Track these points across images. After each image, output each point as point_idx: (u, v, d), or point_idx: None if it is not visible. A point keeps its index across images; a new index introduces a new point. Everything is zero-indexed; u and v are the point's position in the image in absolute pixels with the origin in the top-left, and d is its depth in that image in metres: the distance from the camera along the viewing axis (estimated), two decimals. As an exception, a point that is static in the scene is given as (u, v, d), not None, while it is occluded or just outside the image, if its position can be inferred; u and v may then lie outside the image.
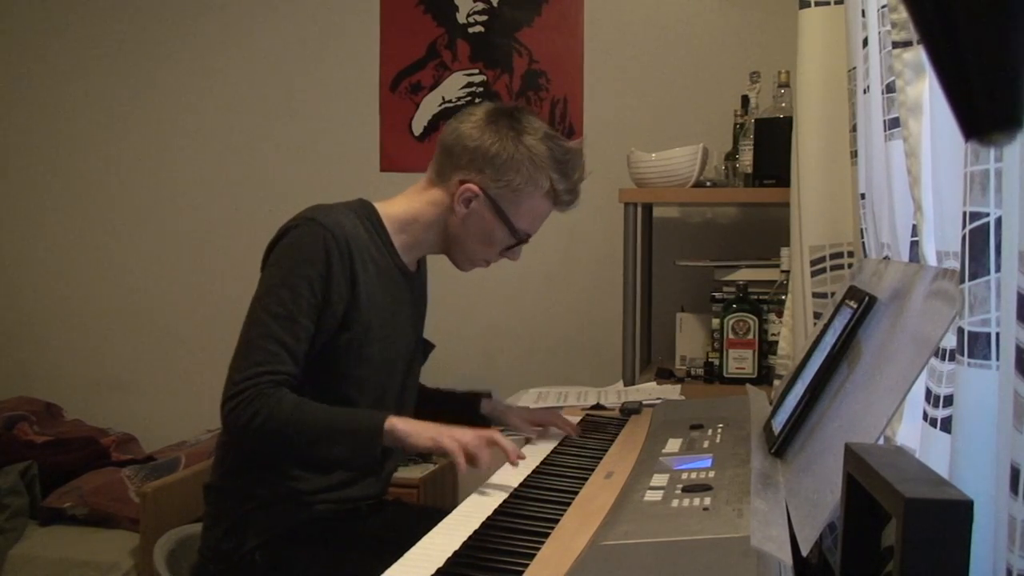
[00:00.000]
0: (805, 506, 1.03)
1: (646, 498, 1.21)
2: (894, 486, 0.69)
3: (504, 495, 1.43)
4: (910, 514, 0.66)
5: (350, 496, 1.71)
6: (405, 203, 1.76)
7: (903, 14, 1.18)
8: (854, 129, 1.67)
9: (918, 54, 1.16)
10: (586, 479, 1.45)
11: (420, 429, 1.55)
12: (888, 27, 1.24)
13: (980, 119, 0.45)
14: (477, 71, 3.17)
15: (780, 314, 2.32)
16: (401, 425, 1.54)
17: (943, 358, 1.01)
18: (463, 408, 1.92)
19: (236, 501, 1.66)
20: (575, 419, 1.90)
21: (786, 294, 2.24)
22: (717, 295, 2.56)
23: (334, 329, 1.63)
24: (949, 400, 0.99)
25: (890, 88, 1.28)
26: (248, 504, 1.65)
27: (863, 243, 1.56)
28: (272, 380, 1.54)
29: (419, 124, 3.22)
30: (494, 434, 1.53)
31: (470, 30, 3.17)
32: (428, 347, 1.89)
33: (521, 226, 1.73)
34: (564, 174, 1.72)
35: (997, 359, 0.85)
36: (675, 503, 1.15)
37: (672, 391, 2.30)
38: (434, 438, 1.53)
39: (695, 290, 2.84)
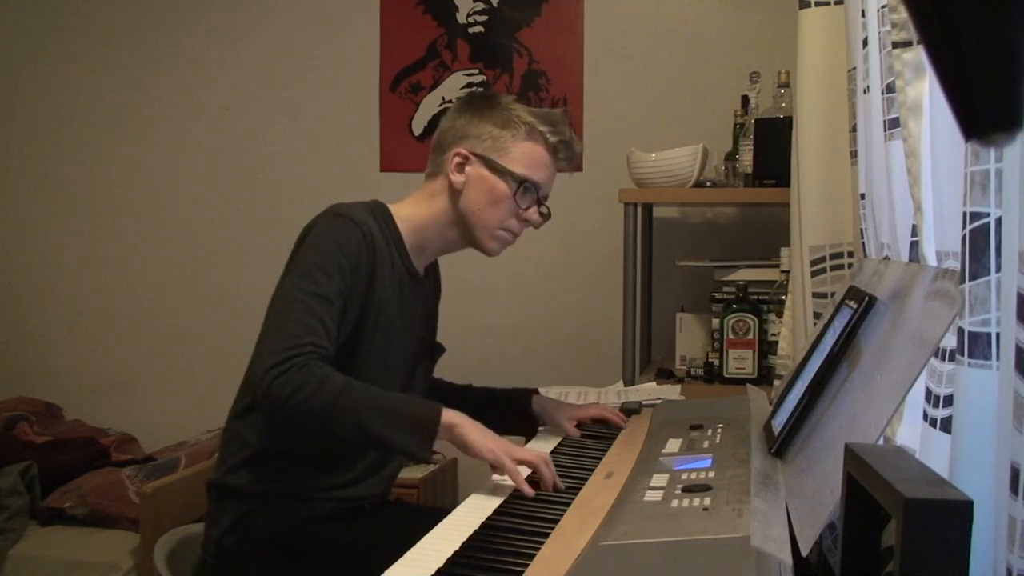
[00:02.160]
0: (805, 506, 1.03)
1: (646, 498, 1.21)
2: (894, 486, 0.69)
3: (504, 495, 1.43)
4: (910, 514, 0.66)
5: (353, 495, 1.71)
6: (413, 206, 1.77)
7: (903, 14, 1.18)
8: (854, 129, 1.67)
9: (918, 54, 1.16)
10: (586, 479, 1.45)
11: (481, 437, 1.50)
12: (888, 27, 1.24)
13: (980, 119, 0.45)
14: (477, 71, 3.17)
15: (780, 314, 2.32)
16: (460, 421, 1.50)
17: (943, 358, 1.01)
18: (515, 410, 1.92)
19: (239, 498, 1.66)
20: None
21: (786, 294, 2.24)
22: (717, 295, 2.56)
23: (353, 323, 1.62)
24: (949, 400, 0.99)
25: (890, 88, 1.28)
26: (251, 501, 1.65)
27: (863, 243, 1.56)
28: (316, 352, 1.50)
29: (419, 124, 3.22)
30: (546, 458, 1.50)
31: (470, 30, 3.17)
32: (438, 350, 1.88)
33: (519, 171, 1.72)
34: (543, 119, 1.75)
35: (997, 359, 0.85)
36: (675, 503, 1.15)
37: (672, 391, 2.30)
38: (493, 450, 1.47)
39: (695, 290, 2.84)
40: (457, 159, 1.72)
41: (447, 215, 1.75)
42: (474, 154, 1.72)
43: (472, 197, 1.73)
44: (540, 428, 1.93)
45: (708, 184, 2.63)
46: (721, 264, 2.65)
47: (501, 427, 1.61)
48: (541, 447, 1.74)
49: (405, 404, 1.54)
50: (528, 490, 1.42)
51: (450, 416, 1.51)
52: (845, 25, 1.70)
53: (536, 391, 1.97)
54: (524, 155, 1.74)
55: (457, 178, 1.72)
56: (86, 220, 3.49)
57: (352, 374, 1.65)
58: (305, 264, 1.59)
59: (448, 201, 1.74)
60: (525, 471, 1.47)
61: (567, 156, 1.77)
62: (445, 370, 1.97)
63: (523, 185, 1.72)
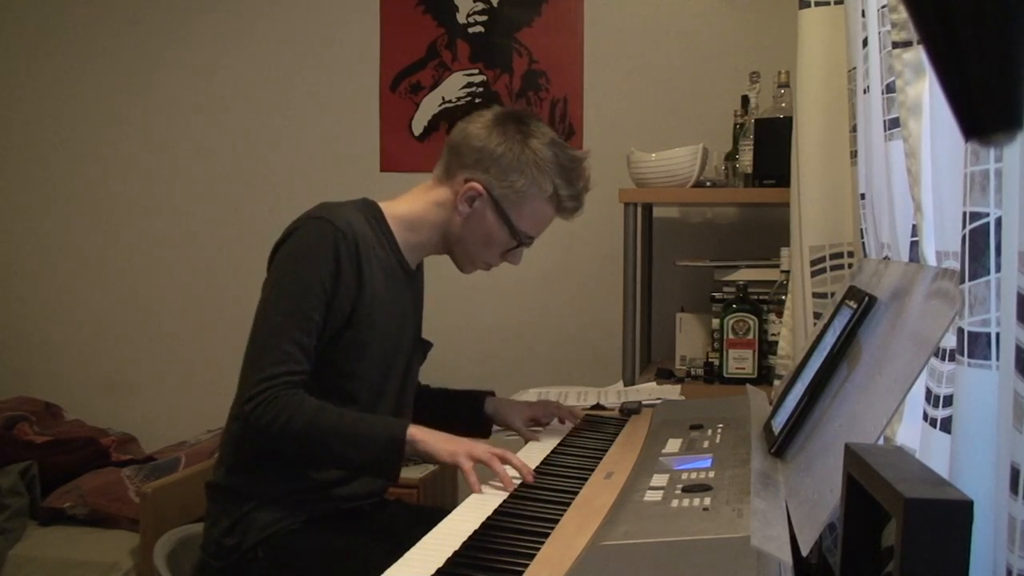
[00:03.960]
0: (805, 506, 1.03)
1: (646, 498, 1.21)
2: (894, 486, 0.69)
3: (504, 495, 1.43)
4: (910, 514, 0.66)
5: (353, 492, 1.71)
6: (409, 203, 1.77)
7: (903, 14, 1.18)
8: (854, 129, 1.67)
9: (918, 54, 1.16)
10: (586, 479, 1.45)
11: (439, 442, 1.55)
12: (888, 27, 1.24)
13: (980, 119, 0.45)
14: (477, 71, 3.17)
15: (780, 314, 2.32)
16: (420, 435, 1.55)
17: (943, 358, 1.01)
18: (467, 409, 1.93)
19: (239, 498, 1.66)
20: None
21: (786, 294, 2.24)
22: (717, 295, 2.56)
23: (340, 325, 1.63)
24: (949, 400, 0.99)
25: (890, 88, 1.28)
26: (251, 502, 1.65)
27: (863, 243, 1.56)
28: (289, 381, 1.56)
29: (419, 124, 3.22)
30: (508, 454, 1.53)
31: (470, 30, 3.17)
32: (426, 346, 1.89)
33: (522, 228, 1.74)
34: (568, 180, 1.74)
35: (997, 359, 0.85)
36: (675, 503, 1.15)
37: (672, 391, 2.30)
38: (453, 452, 1.53)
39: (695, 290, 2.84)
40: (470, 192, 1.71)
41: (441, 225, 1.75)
42: (489, 193, 1.70)
43: (469, 229, 1.73)
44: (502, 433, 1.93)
45: (708, 184, 2.63)
46: (721, 264, 2.65)
47: (454, 427, 1.66)
48: (541, 448, 1.74)
49: (371, 429, 1.57)
50: (478, 489, 1.46)
51: (412, 433, 1.55)
52: (845, 25, 1.70)
53: (492, 393, 1.97)
54: (536, 215, 1.75)
55: (463, 208, 1.72)
56: (85, 220, 3.49)
57: (359, 371, 1.67)
58: (283, 278, 1.62)
59: (446, 216, 1.74)
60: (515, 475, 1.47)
61: (573, 210, 1.78)
62: (445, 369, 1.98)
63: (522, 241, 1.75)
